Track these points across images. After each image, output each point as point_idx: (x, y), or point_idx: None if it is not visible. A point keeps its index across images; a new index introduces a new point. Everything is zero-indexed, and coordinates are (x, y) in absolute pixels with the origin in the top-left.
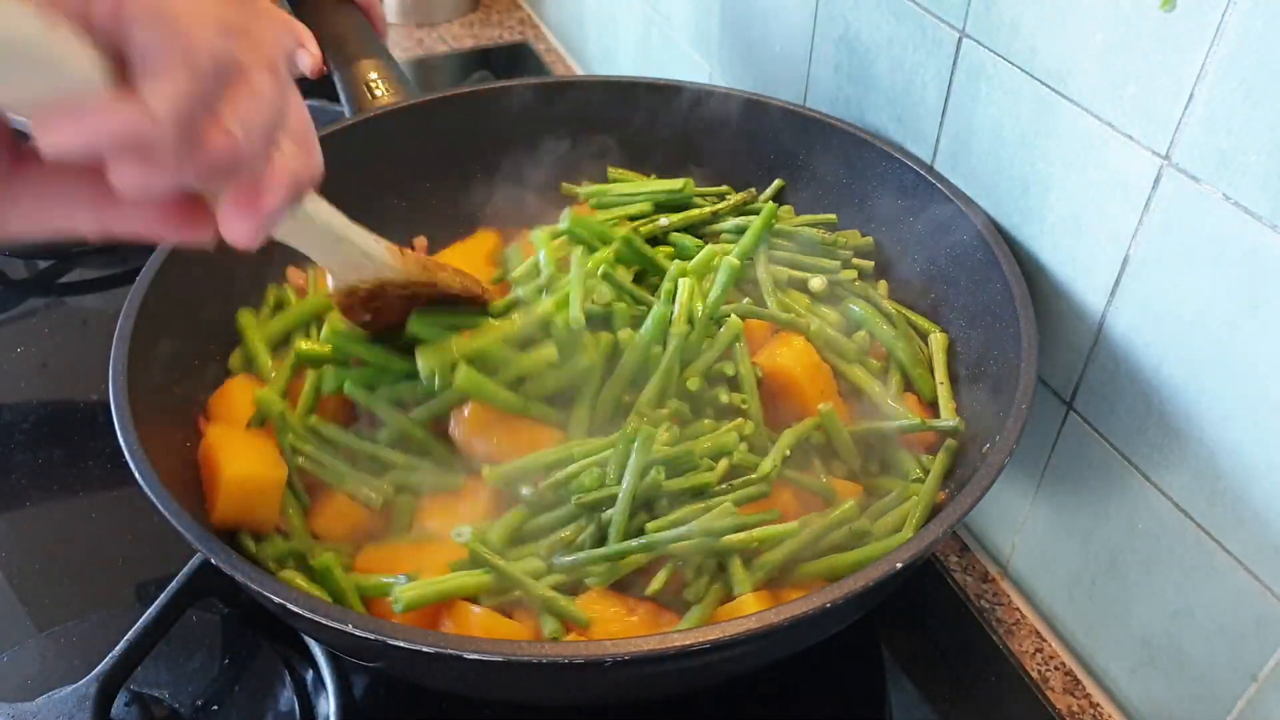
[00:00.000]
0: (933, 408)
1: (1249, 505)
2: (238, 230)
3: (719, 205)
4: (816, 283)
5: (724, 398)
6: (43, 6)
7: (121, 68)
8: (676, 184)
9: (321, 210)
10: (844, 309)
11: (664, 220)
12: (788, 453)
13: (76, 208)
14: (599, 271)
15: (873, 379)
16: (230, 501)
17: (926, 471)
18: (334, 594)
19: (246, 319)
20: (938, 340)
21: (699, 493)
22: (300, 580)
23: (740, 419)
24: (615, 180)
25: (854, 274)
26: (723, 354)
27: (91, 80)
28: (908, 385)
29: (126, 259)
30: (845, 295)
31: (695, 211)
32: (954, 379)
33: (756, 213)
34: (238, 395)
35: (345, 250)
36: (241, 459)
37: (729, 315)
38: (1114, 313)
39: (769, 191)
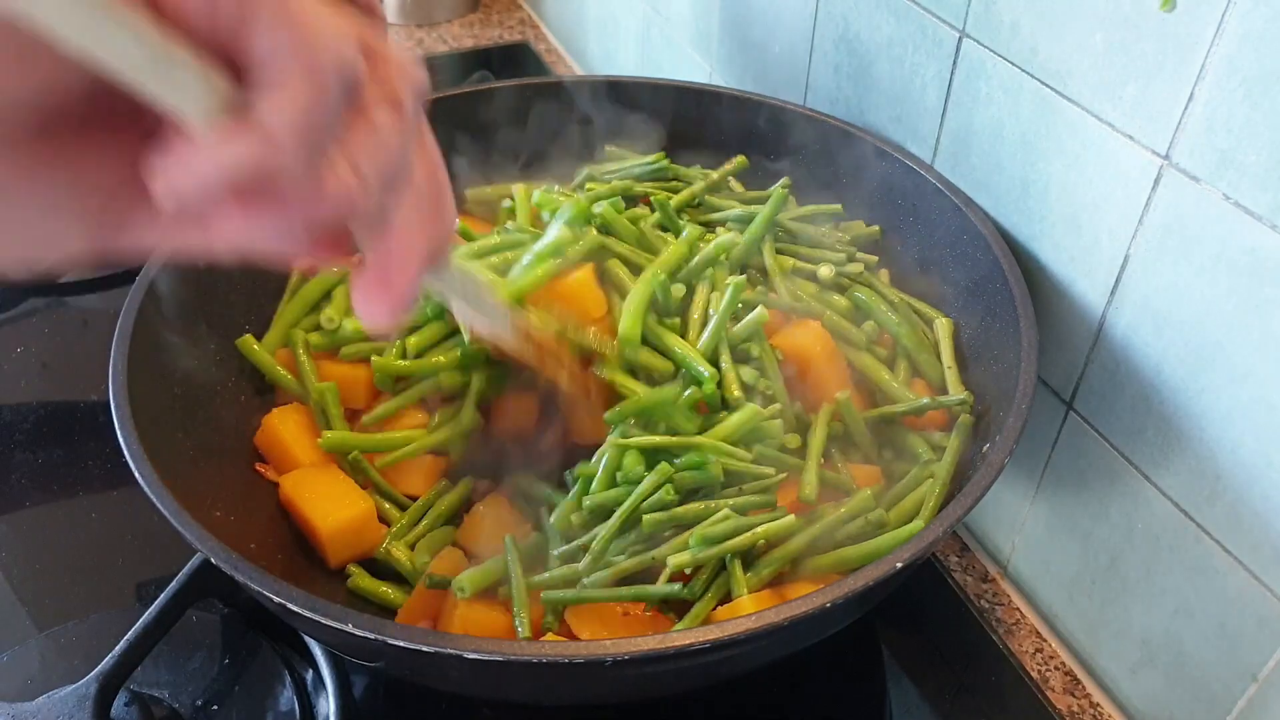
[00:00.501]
0: (940, 393)
1: (1249, 505)
2: (372, 313)
3: (708, 180)
4: (825, 270)
5: (735, 391)
6: (160, 20)
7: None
8: (653, 158)
9: (455, 270)
10: (849, 297)
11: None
12: (822, 460)
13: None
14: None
15: (881, 366)
16: (340, 552)
17: (938, 450)
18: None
19: (246, 346)
20: (943, 325)
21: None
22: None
23: (775, 405)
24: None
25: (860, 267)
26: (746, 338)
27: (207, 107)
28: (915, 372)
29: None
30: (849, 284)
31: (687, 192)
32: (960, 366)
33: (763, 201)
34: (284, 430)
35: (476, 309)
36: (329, 506)
37: (756, 305)
38: (1114, 313)
39: (775, 189)
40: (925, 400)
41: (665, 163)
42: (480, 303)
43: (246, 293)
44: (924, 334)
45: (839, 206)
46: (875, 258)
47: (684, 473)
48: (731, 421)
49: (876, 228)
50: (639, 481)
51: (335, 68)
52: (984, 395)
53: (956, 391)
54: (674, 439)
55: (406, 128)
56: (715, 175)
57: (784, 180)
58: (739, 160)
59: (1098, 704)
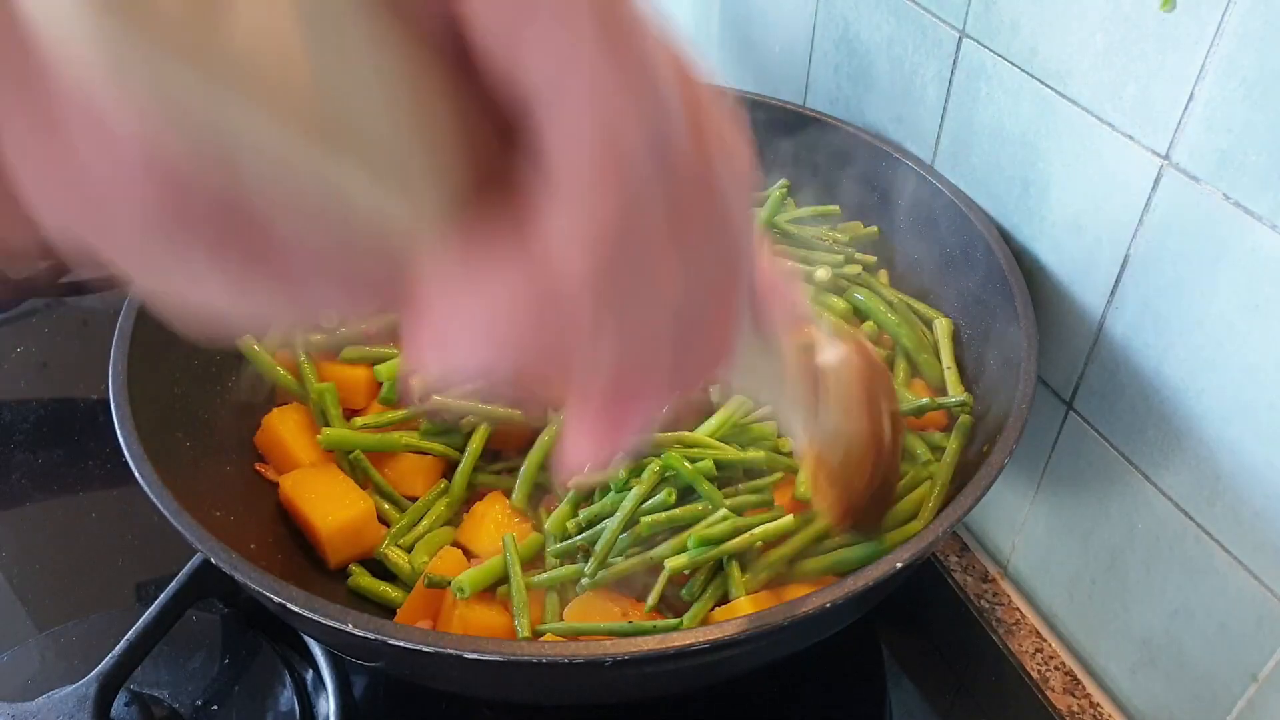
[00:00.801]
0: (939, 393)
1: (1249, 505)
2: (573, 454)
3: None
4: (822, 273)
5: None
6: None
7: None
8: None
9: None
10: (848, 298)
11: None
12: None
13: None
14: None
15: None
16: (339, 551)
17: (938, 450)
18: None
19: (247, 346)
20: (943, 326)
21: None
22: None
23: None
24: None
25: (858, 268)
26: None
27: (432, 203)
28: (914, 372)
29: None
30: (847, 286)
31: None
32: (960, 366)
33: (759, 203)
34: (284, 430)
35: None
36: (328, 506)
37: None
38: (1114, 313)
39: (774, 190)
40: (925, 401)
41: None
42: (782, 401)
43: None
44: (923, 334)
45: (837, 208)
46: (874, 258)
47: (671, 469)
48: (719, 415)
49: (875, 228)
50: (627, 486)
51: (651, 140)
52: (984, 395)
53: (956, 392)
54: (662, 434)
55: (727, 242)
56: None
57: (782, 181)
58: None
59: (1098, 704)
